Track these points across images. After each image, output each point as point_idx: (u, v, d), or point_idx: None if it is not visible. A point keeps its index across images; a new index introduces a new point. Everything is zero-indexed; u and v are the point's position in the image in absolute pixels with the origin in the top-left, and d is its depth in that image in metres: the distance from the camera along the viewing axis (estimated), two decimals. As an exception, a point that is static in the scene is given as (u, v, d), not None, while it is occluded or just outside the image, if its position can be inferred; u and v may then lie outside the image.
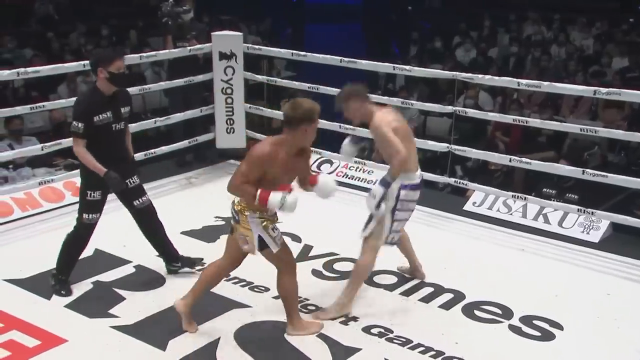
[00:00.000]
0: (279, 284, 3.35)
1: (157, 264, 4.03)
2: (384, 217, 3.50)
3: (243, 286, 3.85)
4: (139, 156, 5.28)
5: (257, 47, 6.01)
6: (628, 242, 4.51)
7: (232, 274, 3.93)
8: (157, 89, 5.95)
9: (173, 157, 5.79)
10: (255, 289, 3.83)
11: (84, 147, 3.52)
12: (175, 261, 3.95)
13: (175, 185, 5.43)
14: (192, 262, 3.97)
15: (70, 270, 3.75)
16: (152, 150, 5.32)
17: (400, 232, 3.64)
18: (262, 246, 3.22)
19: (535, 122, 5.24)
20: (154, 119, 5.63)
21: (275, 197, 3.07)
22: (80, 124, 3.47)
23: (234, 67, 5.61)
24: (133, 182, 3.76)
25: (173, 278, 3.92)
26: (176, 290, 3.76)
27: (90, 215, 3.66)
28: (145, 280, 3.89)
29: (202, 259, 3.98)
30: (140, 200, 3.80)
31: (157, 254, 3.99)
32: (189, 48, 5.51)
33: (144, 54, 5.66)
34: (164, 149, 5.46)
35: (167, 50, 5.56)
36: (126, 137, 3.77)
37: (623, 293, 3.92)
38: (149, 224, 3.86)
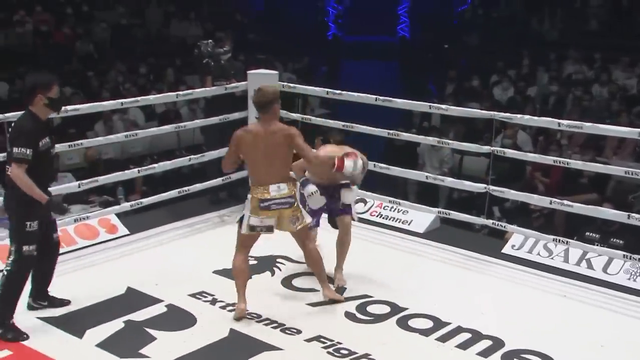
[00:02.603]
0: (312, 251, 3.99)
1: (190, 304, 4.06)
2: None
3: (275, 328, 3.83)
4: (173, 193, 5.41)
5: (292, 85, 6.11)
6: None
7: (264, 314, 3.95)
8: (192, 127, 6.07)
9: (206, 195, 5.87)
10: (287, 331, 3.81)
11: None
12: (43, 300, 3.90)
13: (209, 224, 5.48)
14: (60, 302, 3.92)
15: (14, 310, 3.62)
16: (186, 188, 5.39)
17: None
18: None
19: (577, 163, 5.16)
20: (188, 157, 5.73)
21: (350, 162, 3.87)
22: (28, 150, 3.44)
23: (269, 106, 5.68)
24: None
25: (204, 318, 3.93)
26: (208, 331, 3.77)
27: (30, 247, 3.57)
28: (177, 320, 3.91)
29: (69, 301, 3.95)
30: (57, 233, 3.83)
31: (189, 292, 4.00)
32: (225, 86, 5.64)
33: (181, 92, 5.81)
34: (198, 186, 5.52)
35: (203, 89, 5.69)
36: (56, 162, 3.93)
37: (673, 345, 3.78)
38: (53, 258, 3.85)
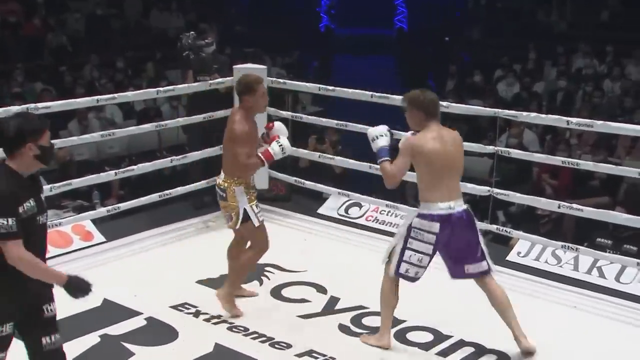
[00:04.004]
0: (242, 254, 4.02)
1: (171, 316, 4.05)
2: (397, 242, 3.66)
3: (263, 342, 3.84)
4: (153, 197, 5.40)
5: (281, 80, 6.11)
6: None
7: (251, 327, 3.95)
8: (174, 125, 6.07)
9: (190, 199, 5.86)
10: (277, 346, 3.81)
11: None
12: None
13: (192, 230, 5.48)
14: None
15: None
16: (168, 191, 5.39)
17: (419, 266, 3.64)
18: (245, 219, 3.89)
19: (587, 164, 5.19)
20: (170, 157, 5.72)
21: (273, 147, 3.89)
22: (10, 220, 2.60)
23: (257, 103, 5.69)
24: (50, 309, 2.80)
25: (186, 332, 3.93)
26: (190, 346, 3.77)
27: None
28: (157, 334, 3.90)
29: None
30: (51, 338, 2.78)
31: (170, 304, 3.99)
32: (209, 82, 5.63)
33: (161, 89, 5.80)
34: (180, 189, 5.52)
35: (185, 85, 5.69)
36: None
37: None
38: None
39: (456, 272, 3.73)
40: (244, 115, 3.92)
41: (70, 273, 2.76)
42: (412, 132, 3.75)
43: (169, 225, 5.39)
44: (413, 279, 3.68)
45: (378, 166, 5.23)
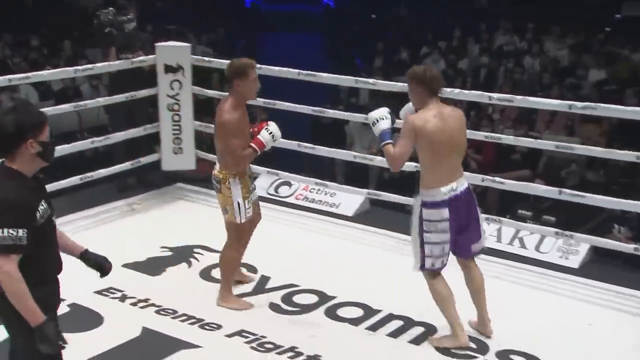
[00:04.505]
0: (223, 253, 3.98)
1: (96, 302, 3.96)
2: (415, 240, 3.58)
3: (192, 324, 3.80)
4: (74, 180, 5.23)
5: (206, 59, 6.01)
6: (609, 266, 4.62)
7: (180, 309, 3.91)
8: (94, 105, 5.89)
9: (113, 181, 5.71)
10: (206, 327, 3.78)
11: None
12: None
13: (116, 213, 5.34)
14: None
15: None
16: (90, 174, 5.24)
17: (443, 256, 3.57)
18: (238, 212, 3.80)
19: (508, 138, 5.35)
20: (91, 139, 5.56)
21: (263, 135, 3.78)
22: (21, 231, 2.37)
23: (181, 81, 5.59)
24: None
25: (112, 317, 3.85)
26: (117, 331, 3.69)
27: None
28: (82, 320, 3.80)
29: None
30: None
31: (95, 289, 3.90)
32: (131, 60, 5.48)
33: (80, 67, 5.61)
34: (103, 172, 5.38)
35: (106, 63, 5.51)
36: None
37: (605, 323, 4.01)
38: None
39: (463, 251, 3.67)
40: (234, 103, 3.75)
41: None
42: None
43: (92, 209, 5.24)
44: (441, 269, 3.61)
45: (307, 144, 5.29)
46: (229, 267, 3.99)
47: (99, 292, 4.07)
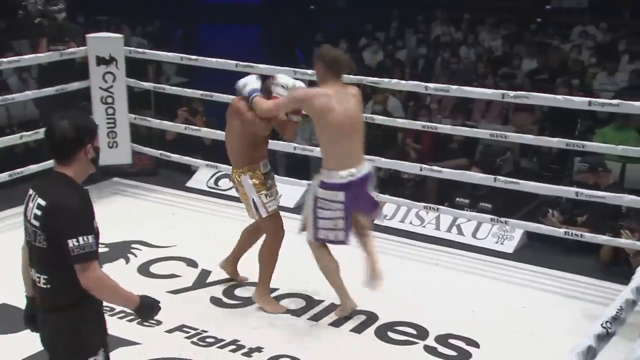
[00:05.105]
0: (261, 248, 3.88)
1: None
2: (308, 213, 3.69)
3: (131, 320, 3.74)
4: (2, 177, 5.06)
5: (140, 50, 5.90)
6: (542, 251, 4.78)
7: (118, 307, 3.83)
8: (23, 99, 5.71)
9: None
10: (145, 323, 3.70)
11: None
12: None
13: (50, 210, 5.19)
14: None
15: None
16: (19, 170, 5.10)
17: (336, 230, 3.66)
18: (256, 208, 3.77)
19: (444, 128, 5.46)
20: (20, 134, 5.40)
21: (276, 91, 3.72)
22: (90, 238, 2.36)
23: (115, 74, 5.48)
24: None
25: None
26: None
27: None
28: (13, 321, 3.67)
29: None
30: None
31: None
32: (60, 52, 5.33)
33: (5, 59, 5.43)
34: (33, 167, 5.22)
35: (34, 55, 5.35)
36: None
37: (539, 305, 4.15)
38: None
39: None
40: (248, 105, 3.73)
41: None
42: None
43: (22, 206, 5.07)
44: (335, 242, 3.71)
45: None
46: (267, 264, 3.88)
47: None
